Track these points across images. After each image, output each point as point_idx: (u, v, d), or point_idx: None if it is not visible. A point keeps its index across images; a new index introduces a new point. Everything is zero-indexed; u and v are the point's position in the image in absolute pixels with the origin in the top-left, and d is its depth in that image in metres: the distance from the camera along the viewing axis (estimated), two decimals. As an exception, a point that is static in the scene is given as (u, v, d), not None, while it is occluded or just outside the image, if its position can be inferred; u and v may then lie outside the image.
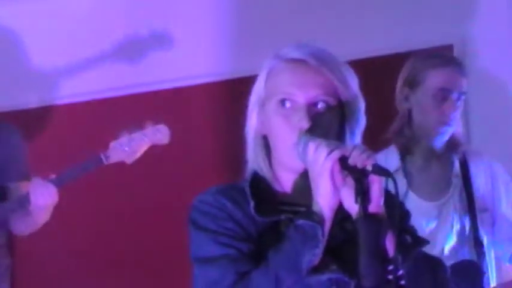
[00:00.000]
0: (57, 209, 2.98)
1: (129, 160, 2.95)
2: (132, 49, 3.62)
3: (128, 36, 3.63)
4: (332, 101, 1.58)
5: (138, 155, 2.98)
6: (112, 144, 3.03)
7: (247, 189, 1.59)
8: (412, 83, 2.56)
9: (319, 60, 1.56)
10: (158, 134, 2.98)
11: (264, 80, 1.62)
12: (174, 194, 3.47)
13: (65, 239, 3.57)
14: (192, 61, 3.57)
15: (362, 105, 1.62)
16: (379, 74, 3.02)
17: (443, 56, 2.65)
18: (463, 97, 2.53)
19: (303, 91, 1.57)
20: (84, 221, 3.67)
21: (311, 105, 1.56)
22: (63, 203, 3.00)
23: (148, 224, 3.63)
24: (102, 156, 3.01)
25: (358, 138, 1.60)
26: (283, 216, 1.57)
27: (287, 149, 1.55)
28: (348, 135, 1.60)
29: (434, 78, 2.52)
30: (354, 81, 1.61)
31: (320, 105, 1.57)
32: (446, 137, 2.56)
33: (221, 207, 1.58)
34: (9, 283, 3.29)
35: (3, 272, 3.25)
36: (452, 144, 2.60)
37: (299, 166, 1.55)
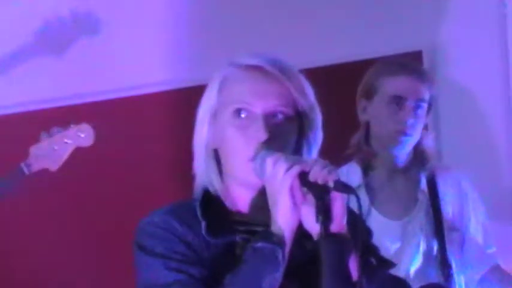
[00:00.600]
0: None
1: (53, 167, 2.77)
2: (74, 55, 3.45)
3: (68, 40, 3.42)
4: (290, 112, 1.56)
5: (63, 160, 2.79)
6: (32, 149, 2.80)
7: (198, 208, 1.55)
8: (368, 93, 2.56)
9: (277, 68, 1.54)
10: (81, 135, 2.79)
11: (217, 89, 1.58)
12: (125, 207, 3.35)
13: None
14: (144, 69, 3.47)
15: (319, 117, 1.60)
16: (344, 82, 2.97)
17: (400, 63, 2.64)
18: (423, 105, 2.53)
19: (260, 100, 1.54)
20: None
21: (269, 116, 1.53)
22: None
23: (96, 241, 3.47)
24: (23, 166, 2.78)
25: (315, 153, 1.59)
26: (238, 237, 1.54)
27: (242, 163, 1.52)
28: (305, 149, 1.58)
29: (388, 86, 2.53)
30: (310, 92, 1.60)
31: (279, 117, 1.54)
32: (406, 148, 2.55)
33: (170, 229, 1.53)
34: None
35: None
36: (419, 158, 2.58)
37: (256, 182, 1.52)
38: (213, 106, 1.58)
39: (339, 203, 1.43)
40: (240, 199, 1.57)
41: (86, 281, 3.28)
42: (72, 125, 2.72)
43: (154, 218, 1.55)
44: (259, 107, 1.52)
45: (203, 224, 1.53)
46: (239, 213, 1.57)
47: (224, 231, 1.54)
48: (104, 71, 3.44)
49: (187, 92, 3.15)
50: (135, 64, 3.42)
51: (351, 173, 2.50)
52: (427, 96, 2.53)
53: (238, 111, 1.54)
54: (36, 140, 2.90)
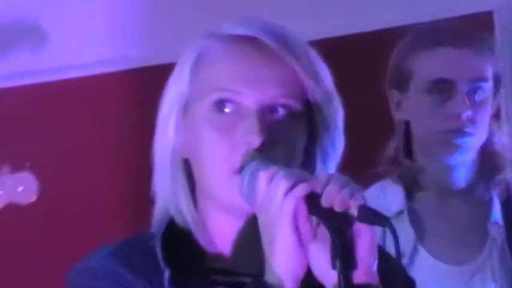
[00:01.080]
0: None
1: None
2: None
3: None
4: (296, 106, 1.27)
5: None
6: None
7: (159, 250, 1.27)
8: (400, 81, 2.03)
9: (279, 41, 1.24)
10: (20, 188, 2.26)
11: (190, 70, 1.29)
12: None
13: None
14: (84, 46, 3.09)
15: (340, 112, 1.31)
16: (370, 60, 2.48)
17: (437, 29, 2.09)
18: (483, 87, 1.99)
19: (254, 88, 1.25)
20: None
21: (265, 111, 1.24)
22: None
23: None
24: None
25: (332, 165, 1.31)
26: None
27: (223, 179, 1.24)
28: (318, 160, 1.29)
29: (425, 66, 2.00)
30: (327, 76, 1.30)
31: (279, 112, 1.25)
32: (466, 154, 2.02)
33: (115, 280, 1.24)
34: None
35: None
36: (487, 169, 2.03)
37: (242, 207, 1.24)
38: (184, 96, 1.29)
39: (366, 240, 1.16)
40: (220, 233, 1.30)
41: None
42: (4, 166, 2.24)
43: (92, 264, 1.28)
44: (251, 98, 1.25)
45: (166, 273, 1.25)
46: (218, 255, 1.31)
47: (197, 284, 1.28)
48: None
49: (142, 73, 2.86)
50: (73, 38, 3.08)
51: (389, 195, 2.03)
52: (488, 73, 2.00)
53: (220, 104, 1.26)
54: None
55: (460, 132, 1.95)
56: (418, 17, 2.67)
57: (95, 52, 3.13)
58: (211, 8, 2.91)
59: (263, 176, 1.18)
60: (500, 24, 2.86)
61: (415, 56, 1.99)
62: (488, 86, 2.00)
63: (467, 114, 1.94)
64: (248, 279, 1.24)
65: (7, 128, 2.92)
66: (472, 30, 2.12)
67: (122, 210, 2.72)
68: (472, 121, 1.96)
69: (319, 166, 1.30)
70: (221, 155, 1.24)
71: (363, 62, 2.63)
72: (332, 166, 1.30)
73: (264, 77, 1.25)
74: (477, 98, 1.97)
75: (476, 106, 1.97)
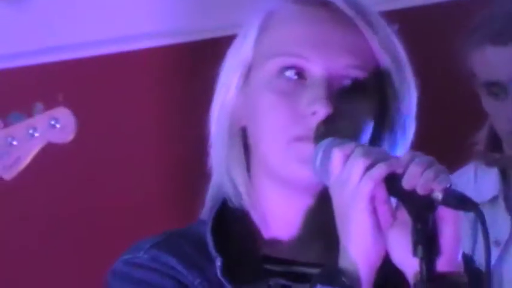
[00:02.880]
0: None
1: (7, 174, 2.20)
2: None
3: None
4: (367, 79, 1.18)
5: (24, 164, 2.17)
6: None
7: (209, 237, 1.19)
8: (470, 77, 1.99)
9: (354, 7, 1.17)
10: (57, 125, 2.16)
11: (256, 33, 1.21)
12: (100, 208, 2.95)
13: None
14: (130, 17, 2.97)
15: (414, 94, 1.22)
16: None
17: (485, 21, 2.01)
18: None
19: (323, 55, 1.16)
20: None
21: (333, 81, 1.16)
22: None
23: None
24: None
25: (402, 148, 1.22)
26: (272, 283, 1.17)
27: (281, 150, 1.16)
28: (385, 142, 1.21)
29: (477, 67, 1.93)
30: (401, 50, 1.22)
31: (348, 84, 1.17)
32: None
33: (164, 271, 1.18)
34: None
35: None
36: None
37: (301, 181, 1.17)
38: (247, 60, 1.22)
39: (450, 226, 1.07)
40: (277, 214, 1.21)
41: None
42: (38, 104, 2.12)
43: (139, 254, 1.20)
44: (319, 65, 1.16)
45: (218, 262, 1.17)
46: (274, 241, 1.22)
47: (251, 274, 1.20)
48: (76, 19, 2.99)
49: (193, 47, 2.73)
50: (118, 10, 2.98)
51: (480, 180, 1.95)
52: None
53: (285, 69, 1.18)
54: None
55: None
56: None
57: (143, 25, 3.03)
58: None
59: (338, 153, 1.09)
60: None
61: (469, 52, 1.93)
62: None
63: None
64: (310, 269, 1.17)
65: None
66: None
67: (172, 198, 2.68)
68: None
69: (386, 144, 1.21)
70: (281, 123, 1.17)
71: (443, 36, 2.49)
72: (402, 149, 1.20)
73: (335, 44, 1.17)
74: None
75: None
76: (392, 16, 1.26)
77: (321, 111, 1.12)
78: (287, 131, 1.16)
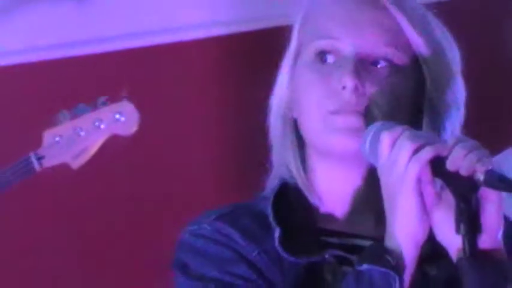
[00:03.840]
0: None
1: (75, 163, 2.30)
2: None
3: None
4: (401, 59, 1.24)
5: (90, 154, 2.27)
6: (46, 136, 2.31)
7: (270, 210, 1.28)
8: None
9: None
10: (121, 118, 2.27)
11: (299, 24, 1.32)
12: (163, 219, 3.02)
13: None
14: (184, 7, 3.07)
15: (458, 74, 1.27)
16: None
17: None
18: None
19: (351, 32, 1.24)
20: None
21: (365, 61, 1.24)
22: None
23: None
24: (33, 158, 2.30)
25: (451, 130, 1.28)
26: (328, 255, 1.25)
27: (319, 123, 1.25)
28: (425, 123, 1.27)
29: None
30: (440, 31, 1.28)
31: (382, 64, 1.24)
32: None
33: (226, 243, 1.28)
34: None
35: None
36: None
37: (350, 155, 1.25)
38: (293, 52, 1.31)
39: (492, 205, 1.14)
40: (332, 191, 1.30)
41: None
42: (100, 98, 2.23)
43: (203, 226, 1.30)
44: (348, 43, 1.24)
45: (277, 232, 1.26)
46: (330, 216, 1.30)
47: (308, 246, 1.27)
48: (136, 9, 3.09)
49: (254, 36, 2.78)
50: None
51: None
52: None
53: (322, 54, 1.27)
54: (49, 122, 2.38)
55: None
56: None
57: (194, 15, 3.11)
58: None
59: (387, 137, 1.16)
60: None
61: None
62: None
63: None
64: (363, 242, 1.24)
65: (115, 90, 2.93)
66: None
67: (239, 162, 2.78)
68: None
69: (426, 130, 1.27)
70: (316, 99, 1.24)
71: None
72: (448, 132, 1.26)
73: (364, 21, 1.24)
74: None
75: None
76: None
77: (349, 84, 1.19)
78: (322, 106, 1.23)
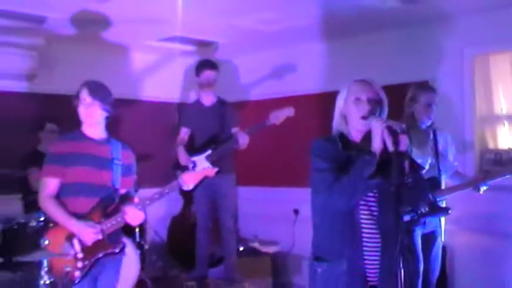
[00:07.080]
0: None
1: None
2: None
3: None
4: (381, 98, 3.42)
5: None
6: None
7: (337, 139, 3.36)
8: None
9: (374, 82, 3.46)
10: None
11: (346, 92, 3.48)
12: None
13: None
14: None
15: (386, 105, 3.44)
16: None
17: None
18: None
19: (365, 93, 3.36)
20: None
21: (371, 100, 3.36)
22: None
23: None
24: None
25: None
26: (354, 152, 3.25)
27: (356, 121, 3.35)
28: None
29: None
30: (383, 93, 3.45)
31: (376, 99, 3.41)
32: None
33: (325, 148, 3.33)
34: None
35: None
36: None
37: (363, 129, 3.33)
38: (343, 98, 3.47)
39: (403, 138, 3.14)
40: (356, 137, 3.37)
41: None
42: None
43: (319, 142, 3.36)
44: (365, 96, 3.36)
45: (339, 145, 3.33)
46: (355, 142, 3.36)
47: (348, 149, 3.29)
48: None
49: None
50: None
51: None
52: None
53: (356, 100, 3.38)
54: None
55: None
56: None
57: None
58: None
59: (375, 120, 3.20)
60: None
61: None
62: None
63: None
64: (365, 148, 3.22)
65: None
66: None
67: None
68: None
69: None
70: (356, 115, 3.33)
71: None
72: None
73: (368, 91, 3.33)
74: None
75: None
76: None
77: (365, 109, 3.30)
78: (357, 115, 3.30)
